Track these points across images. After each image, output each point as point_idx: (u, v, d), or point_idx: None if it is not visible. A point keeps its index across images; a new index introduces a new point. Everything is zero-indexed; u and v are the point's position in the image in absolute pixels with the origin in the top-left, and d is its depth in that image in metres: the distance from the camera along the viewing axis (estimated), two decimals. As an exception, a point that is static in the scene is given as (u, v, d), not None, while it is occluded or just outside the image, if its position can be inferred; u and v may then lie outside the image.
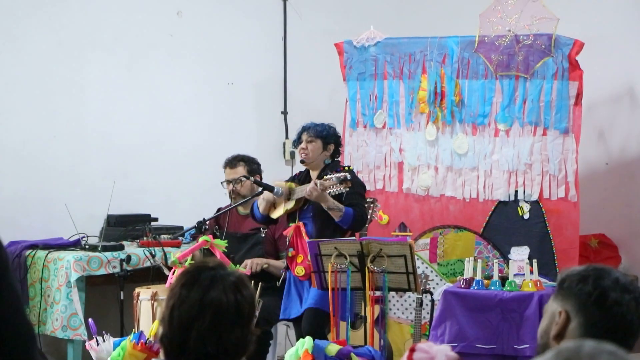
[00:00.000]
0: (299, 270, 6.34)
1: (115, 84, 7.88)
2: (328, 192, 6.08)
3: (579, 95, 6.86)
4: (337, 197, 6.16)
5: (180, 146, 8.18)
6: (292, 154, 8.60)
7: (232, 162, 7.14)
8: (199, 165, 8.16)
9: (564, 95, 6.86)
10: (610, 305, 2.57)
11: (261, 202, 6.49)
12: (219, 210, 7.18)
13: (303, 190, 6.26)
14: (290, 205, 6.40)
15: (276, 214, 6.50)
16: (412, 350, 2.94)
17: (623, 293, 2.58)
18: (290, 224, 6.42)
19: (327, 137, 6.45)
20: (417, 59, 7.33)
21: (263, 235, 6.98)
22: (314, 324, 6.08)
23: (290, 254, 6.38)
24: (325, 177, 6.16)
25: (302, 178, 6.54)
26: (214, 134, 8.34)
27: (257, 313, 6.13)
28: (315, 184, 6.11)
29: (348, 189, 6.07)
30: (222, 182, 7.17)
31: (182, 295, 2.72)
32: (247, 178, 6.97)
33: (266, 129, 8.69)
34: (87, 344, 6.04)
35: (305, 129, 6.49)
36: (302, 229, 6.35)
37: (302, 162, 6.50)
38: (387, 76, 7.48)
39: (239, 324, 2.71)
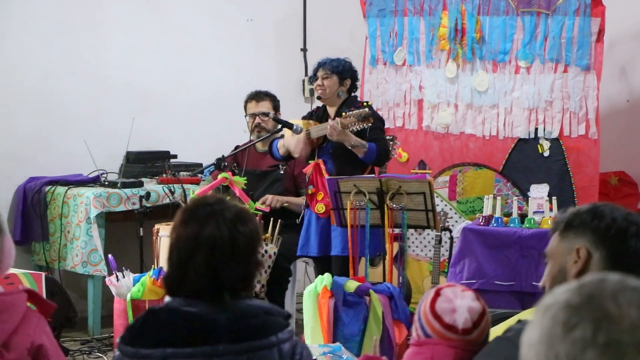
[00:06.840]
0: (319, 208, 6.31)
1: (134, 20, 7.84)
2: (350, 129, 6.05)
3: (600, 32, 6.77)
4: (360, 133, 6.11)
5: (199, 83, 8.15)
6: (312, 92, 8.55)
7: (258, 95, 7.07)
8: (218, 103, 8.14)
9: (585, 31, 6.77)
10: (632, 236, 2.52)
11: (281, 146, 6.46)
12: (236, 147, 7.13)
13: (322, 129, 6.22)
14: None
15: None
16: (438, 293, 2.90)
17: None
18: (310, 162, 6.38)
19: (343, 72, 6.37)
20: (437, -5, 7.26)
21: (282, 172, 6.96)
22: (343, 272, 6.03)
23: (310, 192, 6.34)
24: (344, 114, 6.12)
25: (319, 114, 6.47)
26: (234, 70, 8.31)
27: (275, 250, 6.19)
28: (335, 123, 6.08)
29: (370, 125, 6.05)
30: (245, 116, 7.12)
31: (179, 232, 2.71)
32: (267, 115, 6.94)
33: (286, 66, 8.65)
34: (107, 279, 6.08)
35: (320, 65, 6.40)
36: (322, 166, 6.29)
37: (319, 98, 6.44)
38: (407, 13, 7.42)
39: (236, 259, 2.69)
